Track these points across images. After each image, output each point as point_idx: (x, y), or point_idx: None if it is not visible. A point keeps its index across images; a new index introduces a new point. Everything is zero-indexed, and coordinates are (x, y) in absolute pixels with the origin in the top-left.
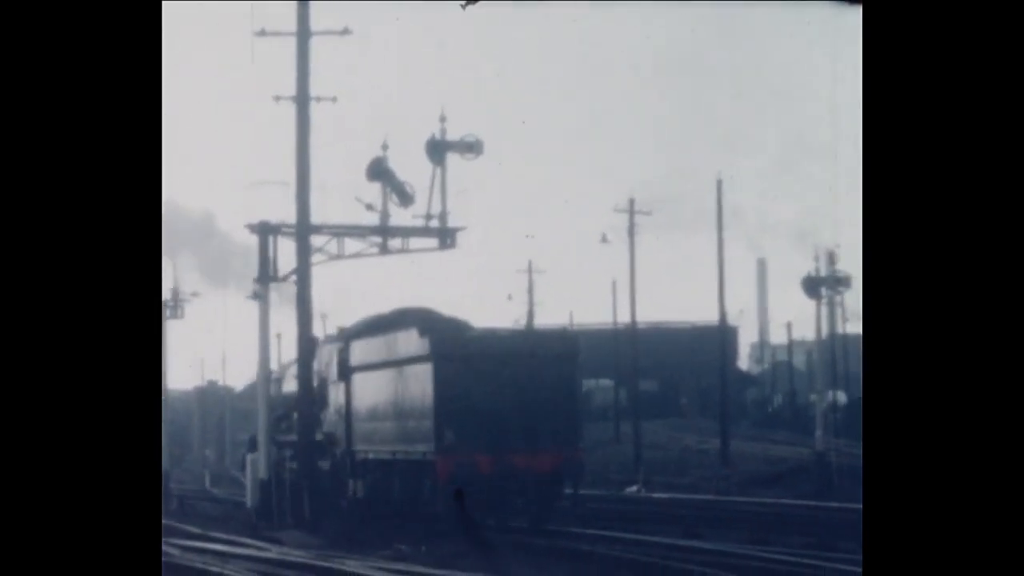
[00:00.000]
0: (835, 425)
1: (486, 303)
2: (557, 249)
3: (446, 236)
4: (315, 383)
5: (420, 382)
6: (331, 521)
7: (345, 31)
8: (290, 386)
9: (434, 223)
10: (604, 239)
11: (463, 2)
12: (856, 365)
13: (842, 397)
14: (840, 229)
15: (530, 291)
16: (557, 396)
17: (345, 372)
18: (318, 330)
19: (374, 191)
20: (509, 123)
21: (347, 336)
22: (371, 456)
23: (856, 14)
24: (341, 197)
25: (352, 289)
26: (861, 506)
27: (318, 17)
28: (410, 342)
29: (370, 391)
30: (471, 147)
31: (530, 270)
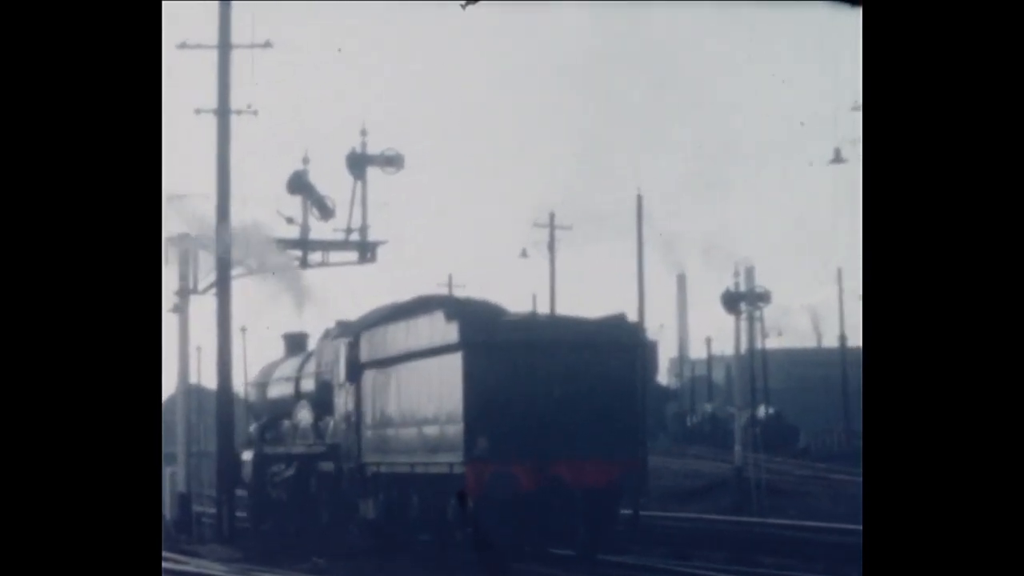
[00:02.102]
0: (754, 440)
1: None
2: (477, 263)
3: (366, 250)
4: (313, 387)
5: (447, 377)
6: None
7: (267, 44)
8: (277, 391)
9: (354, 237)
10: (524, 254)
11: (463, 2)
12: (774, 381)
13: (762, 411)
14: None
15: None
16: (613, 394)
17: (354, 371)
18: (237, 344)
19: (295, 204)
20: (430, 136)
21: (356, 328)
22: (384, 469)
23: (856, 14)
24: (262, 210)
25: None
26: (780, 520)
27: (239, 29)
28: (434, 329)
29: (384, 392)
30: (391, 161)
31: (450, 284)
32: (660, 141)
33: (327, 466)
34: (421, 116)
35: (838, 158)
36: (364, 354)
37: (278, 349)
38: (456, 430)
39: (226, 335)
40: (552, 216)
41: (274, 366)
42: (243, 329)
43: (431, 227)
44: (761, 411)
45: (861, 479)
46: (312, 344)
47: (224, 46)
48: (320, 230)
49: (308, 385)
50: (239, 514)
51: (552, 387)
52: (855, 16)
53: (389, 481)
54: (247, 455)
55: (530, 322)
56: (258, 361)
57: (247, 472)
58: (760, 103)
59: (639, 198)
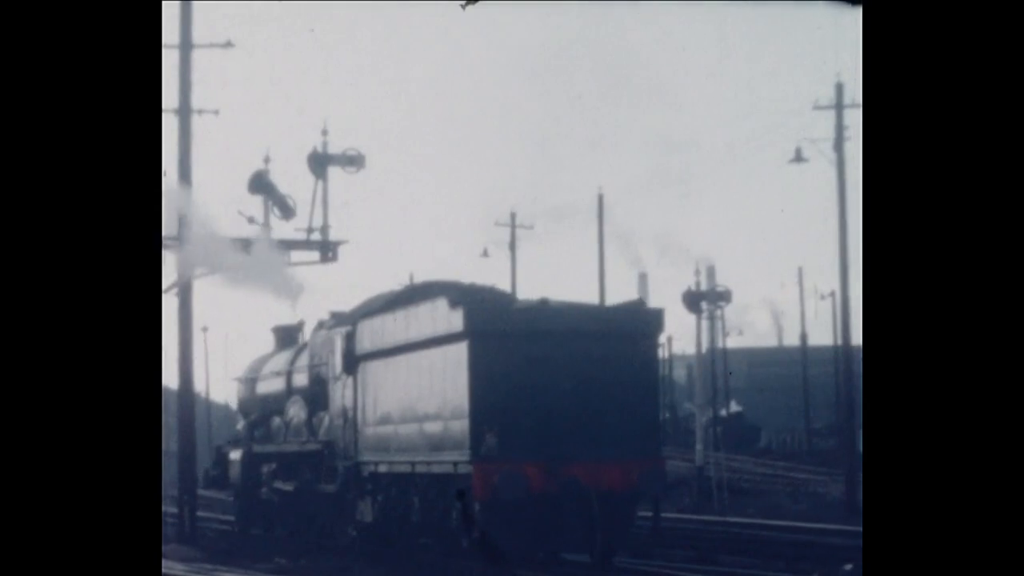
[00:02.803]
0: (716, 439)
1: None
2: (439, 263)
3: (328, 249)
4: (307, 381)
5: (451, 369)
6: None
7: (228, 44)
8: (267, 386)
9: (316, 236)
10: (485, 253)
11: (463, 2)
12: (735, 379)
13: (733, 407)
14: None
15: None
16: (631, 388)
17: (351, 363)
18: (198, 343)
19: (256, 204)
20: (391, 136)
21: (354, 317)
22: (383, 469)
23: (856, 14)
24: (223, 210)
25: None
26: (741, 519)
27: (200, 29)
28: (437, 316)
29: (383, 385)
30: (353, 160)
31: (412, 283)
32: (620, 139)
33: (321, 466)
34: (382, 116)
35: (799, 157)
36: (361, 345)
37: (253, 347)
38: (461, 426)
39: (187, 335)
40: (513, 215)
41: (264, 360)
42: (204, 329)
43: (392, 226)
44: (723, 410)
45: (821, 478)
46: (305, 337)
47: (185, 46)
48: (282, 229)
49: (301, 380)
50: (220, 515)
51: (566, 379)
52: (854, 15)
53: (388, 481)
54: (235, 454)
55: (542, 309)
56: (226, 360)
57: (235, 472)
58: (721, 101)
59: (600, 196)
